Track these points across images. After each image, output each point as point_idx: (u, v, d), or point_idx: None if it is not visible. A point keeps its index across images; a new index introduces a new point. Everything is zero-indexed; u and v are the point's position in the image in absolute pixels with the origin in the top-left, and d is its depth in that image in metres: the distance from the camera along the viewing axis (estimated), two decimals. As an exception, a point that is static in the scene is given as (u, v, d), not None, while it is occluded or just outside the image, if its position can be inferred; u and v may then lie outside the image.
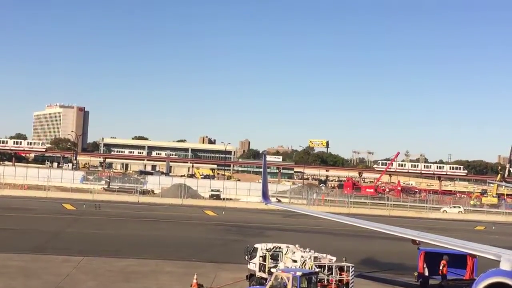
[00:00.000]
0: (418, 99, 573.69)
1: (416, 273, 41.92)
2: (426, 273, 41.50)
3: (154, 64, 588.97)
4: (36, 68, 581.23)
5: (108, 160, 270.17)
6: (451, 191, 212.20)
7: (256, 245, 38.90)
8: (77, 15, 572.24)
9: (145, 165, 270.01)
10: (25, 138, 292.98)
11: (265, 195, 47.34)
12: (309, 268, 33.56)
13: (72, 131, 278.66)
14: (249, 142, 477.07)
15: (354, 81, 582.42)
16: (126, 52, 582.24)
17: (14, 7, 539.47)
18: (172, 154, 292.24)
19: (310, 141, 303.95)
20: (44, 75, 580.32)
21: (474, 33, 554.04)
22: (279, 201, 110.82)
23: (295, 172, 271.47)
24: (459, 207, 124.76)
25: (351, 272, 34.40)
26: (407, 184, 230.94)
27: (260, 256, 37.75)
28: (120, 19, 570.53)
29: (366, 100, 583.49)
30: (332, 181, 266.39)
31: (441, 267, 40.63)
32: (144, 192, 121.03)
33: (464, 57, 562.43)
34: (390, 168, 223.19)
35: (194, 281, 37.48)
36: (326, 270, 34.13)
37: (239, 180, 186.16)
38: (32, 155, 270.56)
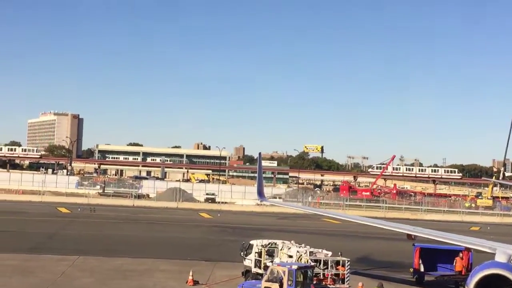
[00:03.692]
0: (412, 105, 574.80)
1: (411, 269, 41.97)
2: (422, 269, 41.55)
3: (149, 72, 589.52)
4: (30, 76, 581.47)
5: (102, 167, 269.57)
6: (446, 194, 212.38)
7: (251, 242, 38.94)
8: (71, 20, 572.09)
9: (140, 171, 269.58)
10: (19, 145, 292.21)
11: (260, 193, 47.43)
12: (305, 263, 33.60)
13: (66, 137, 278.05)
14: (243, 148, 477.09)
15: (348, 87, 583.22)
16: (120, 59, 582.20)
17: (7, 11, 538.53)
18: (167, 160, 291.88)
19: (305, 147, 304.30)
20: (38, 83, 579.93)
21: (468, 40, 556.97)
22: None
23: (290, 177, 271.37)
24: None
25: (347, 266, 34.45)
26: (402, 187, 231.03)
27: (255, 252, 37.80)
28: (116, 25, 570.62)
29: (361, 106, 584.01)
30: (327, 185, 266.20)
31: (454, 263, 40.66)
32: (139, 196, 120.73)
33: (453, 63, 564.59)
34: (385, 172, 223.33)
35: (190, 277, 37.53)
36: (322, 265, 34.18)
37: (234, 184, 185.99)
38: (27, 162, 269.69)
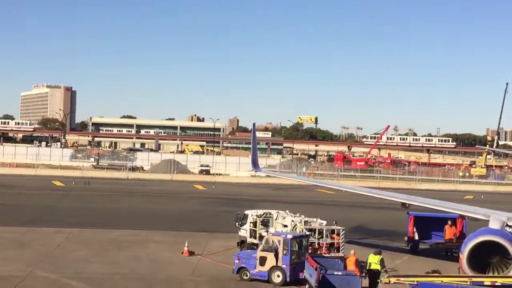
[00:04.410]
0: (406, 74, 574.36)
1: (406, 238, 42.07)
2: (416, 237, 41.65)
3: (142, 42, 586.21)
4: (22, 49, 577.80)
5: (96, 139, 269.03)
6: (440, 163, 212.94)
7: (246, 212, 39.02)
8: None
9: (134, 143, 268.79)
10: (12, 118, 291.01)
11: (255, 163, 47.41)
12: (299, 232, 33.68)
13: (60, 109, 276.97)
14: (238, 120, 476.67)
15: (342, 56, 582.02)
16: (112, 29, 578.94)
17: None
18: (161, 132, 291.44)
19: (299, 118, 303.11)
20: (30, 55, 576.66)
21: (460, 10, 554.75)
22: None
23: (284, 147, 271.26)
24: None
25: (342, 235, 34.57)
26: (396, 157, 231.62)
27: (250, 222, 37.89)
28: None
29: (355, 76, 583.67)
30: (321, 155, 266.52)
31: (444, 232, 40.71)
32: (134, 169, 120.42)
33: (448, 33, 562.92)
34: (380, 142, 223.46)
35: (186, 248, 37.59)
36: (316, 234, 34.27)
37: (228, 155, 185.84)
38: (20, 135, 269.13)
